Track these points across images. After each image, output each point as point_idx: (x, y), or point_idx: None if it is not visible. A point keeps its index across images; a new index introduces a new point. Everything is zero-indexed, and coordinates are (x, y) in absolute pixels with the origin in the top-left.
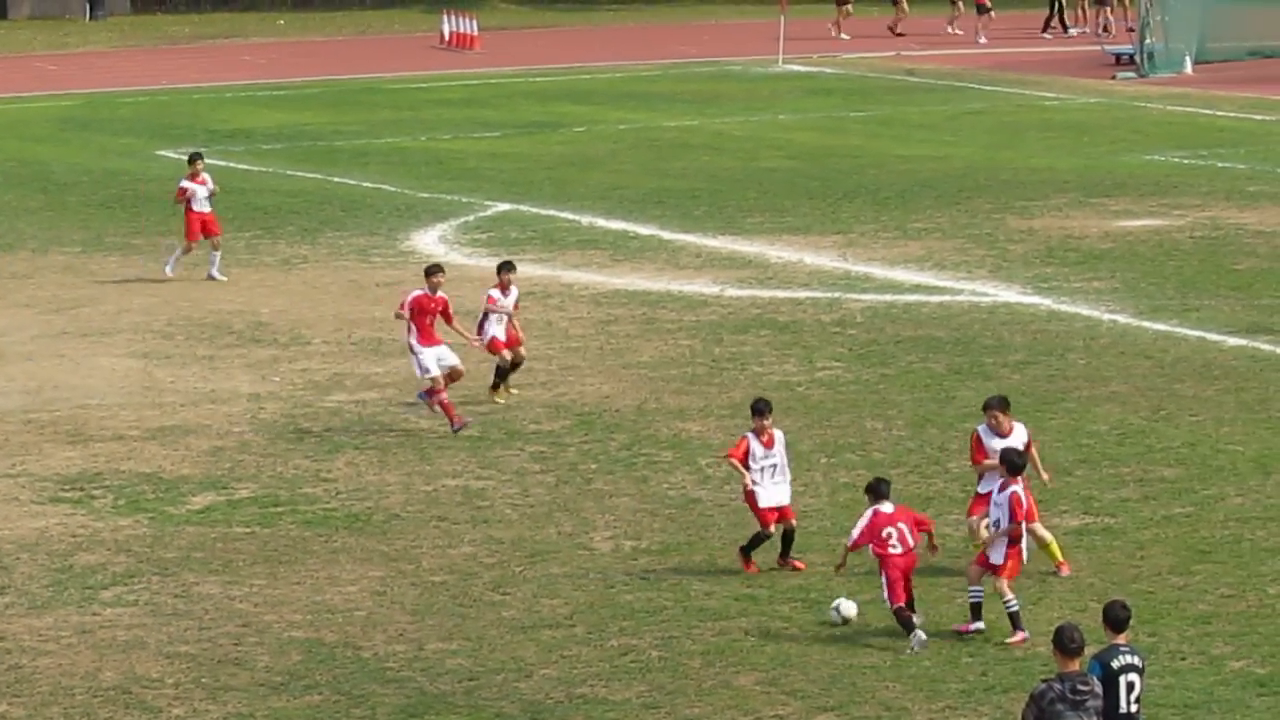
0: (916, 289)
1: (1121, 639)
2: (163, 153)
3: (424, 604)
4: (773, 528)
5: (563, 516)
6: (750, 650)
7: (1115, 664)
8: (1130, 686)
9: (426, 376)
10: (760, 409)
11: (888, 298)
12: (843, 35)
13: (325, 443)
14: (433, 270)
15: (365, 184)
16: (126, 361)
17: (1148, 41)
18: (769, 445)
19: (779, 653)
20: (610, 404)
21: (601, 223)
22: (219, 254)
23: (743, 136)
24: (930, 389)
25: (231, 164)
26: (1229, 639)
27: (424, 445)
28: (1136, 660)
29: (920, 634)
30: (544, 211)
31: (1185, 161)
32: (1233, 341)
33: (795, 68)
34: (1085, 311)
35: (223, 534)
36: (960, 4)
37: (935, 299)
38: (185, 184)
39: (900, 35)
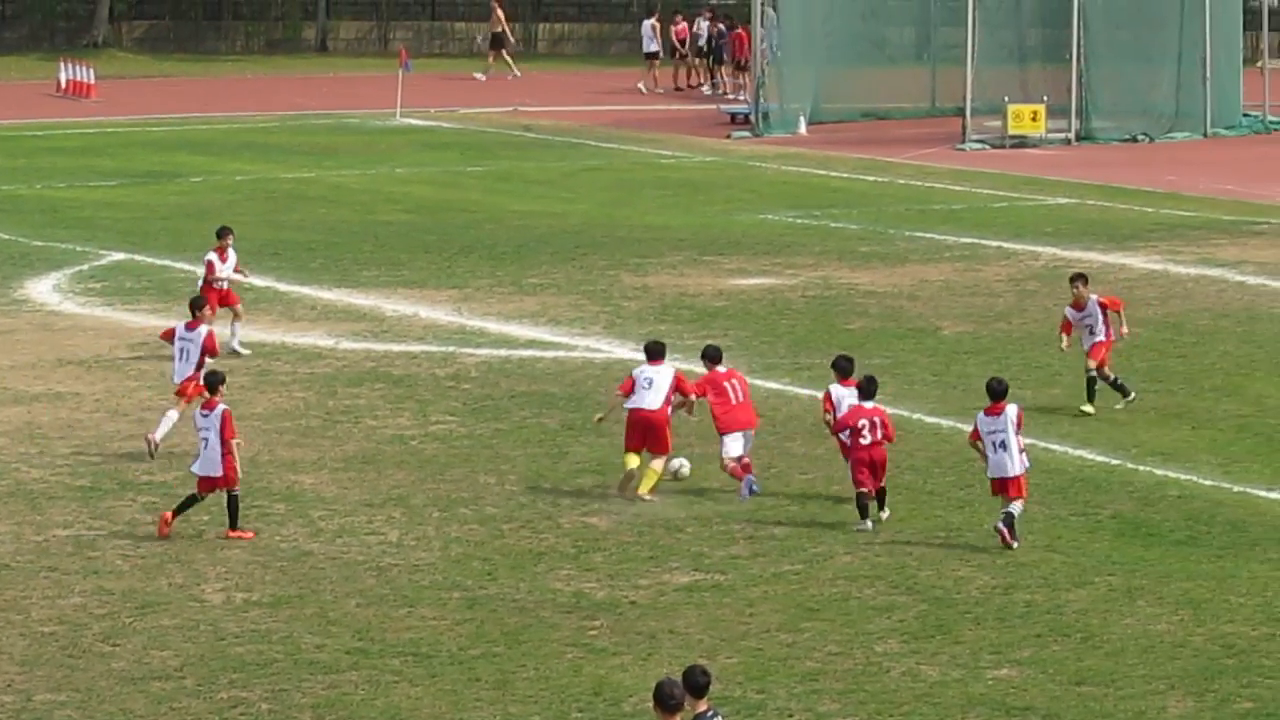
0: (531, 344)
1: (703, 705)
2: None
3: (32, 655)
4: None
5: (174, 568)
6: (360, 704)
7: None
8: None
9: None
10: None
11: (502, 353)
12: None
13: None
14: None
15: None
16: None
17: (763, 101)
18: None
19: (389, 706)
20: None
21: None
22: (240, 324)
23: (360, 189)
24: (544, 444)
25: None
26: (836, 696)
27: (34, 495)
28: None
29: None
30: (159, 261)
31: (799, 221)
32: None
33: (413, 121)
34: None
35: None
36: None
37: (550, 355)
38: (212, 258)
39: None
